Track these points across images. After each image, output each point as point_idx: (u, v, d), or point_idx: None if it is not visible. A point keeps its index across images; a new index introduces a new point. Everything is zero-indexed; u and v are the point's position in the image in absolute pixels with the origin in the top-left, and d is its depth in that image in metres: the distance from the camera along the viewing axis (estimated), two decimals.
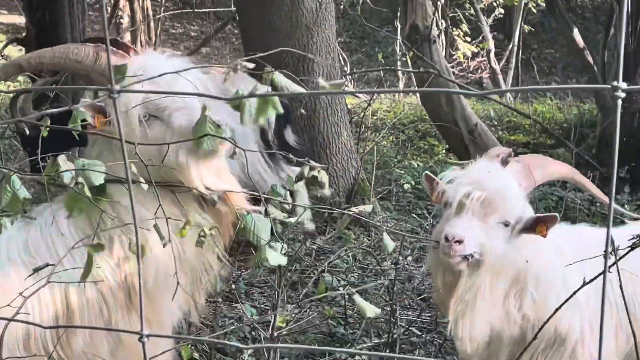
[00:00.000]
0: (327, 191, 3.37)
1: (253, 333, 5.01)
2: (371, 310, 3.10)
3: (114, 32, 16.94)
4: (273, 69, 2.65)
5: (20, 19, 19.69)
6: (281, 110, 2.24)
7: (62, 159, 2.61)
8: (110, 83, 1.27)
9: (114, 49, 3.16)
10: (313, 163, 3.31)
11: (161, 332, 3.18)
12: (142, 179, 2.87)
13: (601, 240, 3.90)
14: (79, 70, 3.14)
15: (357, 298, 3.18)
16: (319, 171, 3.29)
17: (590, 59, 9.89)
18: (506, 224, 3.55)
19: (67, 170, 2.57)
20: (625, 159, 8.57)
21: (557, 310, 3.51)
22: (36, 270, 2.82)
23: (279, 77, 2.68)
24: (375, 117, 11.40)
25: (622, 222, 6.53)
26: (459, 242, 3.43)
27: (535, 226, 3.56)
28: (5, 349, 2.87)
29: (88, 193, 2.64)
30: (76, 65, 3.13)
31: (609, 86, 1.38)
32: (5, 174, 2.59)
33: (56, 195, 3.26)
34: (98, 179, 2.65)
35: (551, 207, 6.87)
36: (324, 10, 6.46)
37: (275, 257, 2.98)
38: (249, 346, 1.51)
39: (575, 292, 3.55)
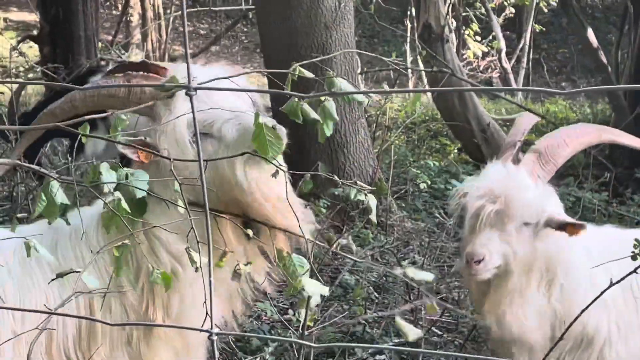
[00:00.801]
0: (373, 217, 3.13)
1: (272, 332, 5.01)
2: (414, 333, 2.89)
3: (124, 31, 16.97)
4: (334, 73, 2.58)
5: (30, 16, 19.72)
6: (336, 119, 2.23)
7: (105, 166, 2.54)
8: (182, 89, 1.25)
9: (145, 73, 2.99)
10: (361, 184, 3.13)
11: (193, 353, 3.16)
12: (181, 203, 2.70)
13: (627, 241, 3.90)
14: (115, 104, 2.95)
15: (399, 321, 3.06)
16: (365, 195, 3.07)
17: (604, 58, 9.85)
18: (527, 224, 3.56)
19: (108, 182, 2.51)
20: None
21: (584, 309, 3.50)
22: (60, 275, 2.76)
23: (340, 82, 2.59)
24: (385, 117, 11.37)
25: (639, 224, 6.53)
26: (480, 261, 3.46)
27: (564, 228, 3.56)
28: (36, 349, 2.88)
29: (125, 207, 2.57)
30: (110, 100, 2.99)
31: None
32: (45, 180, 2.54)
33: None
34: (140, 192, 2.60)
35: (568, 207, 6.83)
36: (343, 9, 6.44)
37: (316, 288, 2.79)
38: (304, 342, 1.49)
39: (602, 293, 3.53)
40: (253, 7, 10.10)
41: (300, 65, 2.57)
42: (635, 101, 9.15)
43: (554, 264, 3.65)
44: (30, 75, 14.27)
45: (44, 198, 2.52)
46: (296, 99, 2.52)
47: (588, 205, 6.84)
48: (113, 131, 2.65)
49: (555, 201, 3.72)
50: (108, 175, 2.53)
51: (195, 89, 1.29)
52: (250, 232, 2.99)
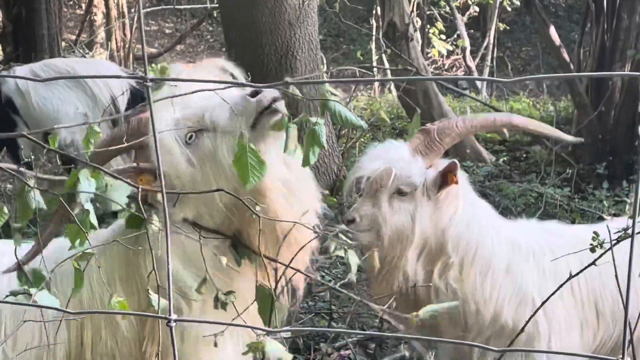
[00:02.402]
0: (352, 276, 2.94)
1: None
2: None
3: (87, 30, 16.87)
4: (334, 95, 2.44)
5: None
6: (324, 146, 2.20)
7: (84, 173, 2.38)
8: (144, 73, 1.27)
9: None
10: (342, 237, 2.91)
11: None
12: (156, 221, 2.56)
13: (566, 237, 3.98)
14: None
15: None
16: (346, 250, 2.82)
17: (566, 56, 9.96)
18: (402, 193, 3.65)
19: (83, 192, 2.34)
20: (602, 156, 8.67)
21: (542, 304, 3.55)
22: (13, 294, 2.52)
23: (337, 107, 2.45)
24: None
25: (601, 218, 6.62)
26: (351, 221, 3.60)
27: (446, 180, 3.66)
28: None
29: (94, 222, 2.43)
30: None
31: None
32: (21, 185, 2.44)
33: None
34: (115, 205, 2.46)
35: (531, 203, 6.95)
36: (307, 7, 6.48)
37: (277, 350, 2.52)
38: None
39: (561, 286, 3.59)
40: (217, 5, 10.07)
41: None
42: (597, 99, 9.26)
43: (438, 245, 3.70)
44: None
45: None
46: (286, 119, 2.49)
47: (550, 200, 6.95)
48: (85, 142, 2.54)
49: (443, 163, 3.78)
50: (86, 184, 2.38)
51: (152, 80, 1.31)
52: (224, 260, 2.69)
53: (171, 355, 2.74)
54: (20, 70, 6.94)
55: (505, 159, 10.02)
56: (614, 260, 3.10)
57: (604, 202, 6.99)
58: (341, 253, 2.83)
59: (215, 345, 2.60)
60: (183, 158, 2.67)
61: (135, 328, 2.85)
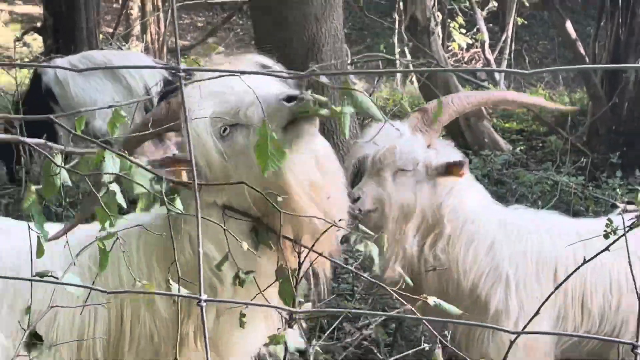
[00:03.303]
0: (376, 268, 2.89)
1: None
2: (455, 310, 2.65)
3: (124, 23, 16.94)
4: (355, 86, 2.38)
5: (33, 9, 19.68)
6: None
7: (110, 154, 2.30)
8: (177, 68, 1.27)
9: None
10: (363, 228, 2.84)
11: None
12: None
13: (558, 226, 3.95)
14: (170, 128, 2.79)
15: None
16: (366, 244, 2.77)
17: (582, 49, 9.92)
18: (404, 170, 3.68)
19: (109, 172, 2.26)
20: (616, 146, 8.63)
21: (559, 284, 3.52)
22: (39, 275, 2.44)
23: (361, 97, 2.34)
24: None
25: (614, 205, 6.57)
26: (356, 200, 3.60)
27: (451, 171, 3.68)
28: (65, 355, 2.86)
29: (121, 201, 2.35)
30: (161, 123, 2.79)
31: None
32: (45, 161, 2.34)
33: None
34: (139, 188, 2.37)
35: (547, 190, 6.90)
36: (332, 2, 6.46)
37: (294, 343, 2.59)
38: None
39: (576, 270, 3.53)
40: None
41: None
42: (611, 90, 9.22)
43: (435, 218, 3.72)
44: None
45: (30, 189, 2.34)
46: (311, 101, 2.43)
47: (565, 188, 6.89)
48: (110, 126, 2.44)
49: (450, 153, 3.81)
50: (111, 164, 2.30)
51: (184, 70, 1.31)
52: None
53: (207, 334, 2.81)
54: (60, 62, 7.00)
55: (522, 148, 9.98)
56: (628, 250, 3.04)
57: (617, 190, 6.92)
58: (361, 247, 2.79)
59: (242, 325, 2.64)
60: (216, 151, 2.65)
61: (173, 310, 2.80)
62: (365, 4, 12.73)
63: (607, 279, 3.75)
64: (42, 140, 2.36)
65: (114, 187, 2.33)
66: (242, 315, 2.56)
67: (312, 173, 2.67)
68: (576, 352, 3.95)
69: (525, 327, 3.49)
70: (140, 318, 2.87)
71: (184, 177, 2.68)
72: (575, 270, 3.54)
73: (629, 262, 3.08)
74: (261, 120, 2.44)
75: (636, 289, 3.62)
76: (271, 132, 2.17)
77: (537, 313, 3.52)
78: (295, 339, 2.45)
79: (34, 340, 2.51)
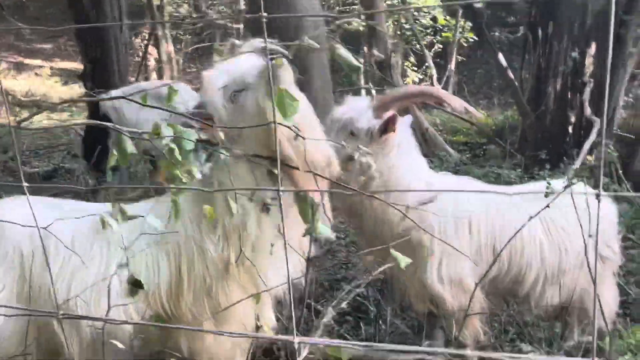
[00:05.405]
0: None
1: None
2: (405, 262, 2.76)
3: (144, 72, 17.03)
4: (337, 44, 2.49)
5: (69, 65, 19.71)
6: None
7: (164, 124, 2.43)
8: None
9: None
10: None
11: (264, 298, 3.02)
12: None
13: (473, 188, 4.06)
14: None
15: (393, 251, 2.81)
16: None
17: (511, 75, 10.08)
18: (353, 135, 3.76)
19: (168, 136, 2.36)
20: (543, 147, 8.81)
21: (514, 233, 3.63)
22: (129, 218, 2.66)
23: (340, 50, 2.48)
24: None
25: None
26: None
27: (387, 128, 3.76)
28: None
29: (177, 156, 2.41)
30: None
31: None
32: (117, 136, 2.46)
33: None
34: (189, 144, 2.45)
35: (492, 181, 7.06)
36: (318, 38, 6.57)
37: (325, 229, 2.57)
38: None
39: (524, 225, 3.68)
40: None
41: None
42: (535, 107, 9.42)
43: (381, 172, 3.78)
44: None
45: (115, 152, 2.46)
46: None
47: (506, 179, 7.08)
48: (168, 101, 2.58)
49: (403, 132, 3.87)
50: (166, 131, 2.45)
51: None
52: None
53: (245, 265, 2.90)
54: (114, 92, 7.06)
55: (467, 155, 10.14)
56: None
57: (547, 178, 7.09)
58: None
59: (271, 253, 2.79)
60: (225, 112, 2.77)
61: (217, 247, 2.92)
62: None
63: (513, 230, 3.79)
64: (110, 124, 2.46)
65: (172, 144, 2.43)
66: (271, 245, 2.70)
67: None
68: (492, 287, 4.02)
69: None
70: (195, 265, 2.94)
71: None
72: (518, 231, 3.67)
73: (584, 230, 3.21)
74: (254, 81, 2.70)
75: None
76: (285, 87, 2.25)
77: (492, 266, 3.65)
78: (326, 228, 2.52)
79: (133, 287, 2.61)
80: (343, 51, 2.47)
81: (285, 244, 1.67)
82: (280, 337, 1.80)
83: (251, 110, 2.73)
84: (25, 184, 2.05)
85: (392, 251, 2.78)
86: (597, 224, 1.71)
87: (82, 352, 2.95)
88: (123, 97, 2.65)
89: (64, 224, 2.92)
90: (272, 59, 2.57)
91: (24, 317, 2.89)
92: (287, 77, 2.62)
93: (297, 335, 1.36)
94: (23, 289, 2.91)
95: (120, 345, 2.83)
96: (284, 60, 2.58)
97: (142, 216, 2.81)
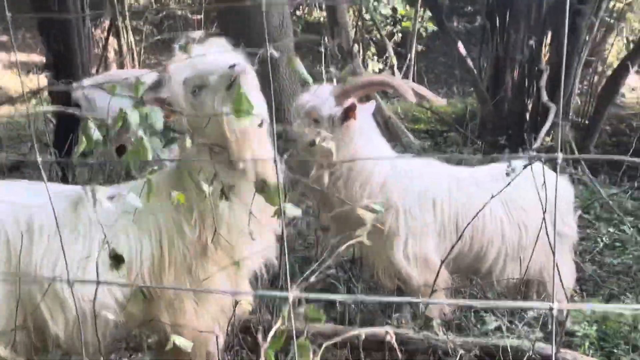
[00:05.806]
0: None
1: None
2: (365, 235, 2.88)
3: (104, 64, 16.88)
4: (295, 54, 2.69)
5: (28, 57, 19.42)
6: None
7: (129, 109, 2.56)
8: None
9: None
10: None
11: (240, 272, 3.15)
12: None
13: (436, 168, 4.23)
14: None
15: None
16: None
17: (470, 64, 10.26)
18: (317, 121, 3.93)
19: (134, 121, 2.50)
20: (502, 133, 9.05)
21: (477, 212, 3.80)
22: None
23: (296, 62, 2.68)
24: None
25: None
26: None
27: (348, 114, 3.91)
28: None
29: (146, 145, 2.56)
30: None
31: None
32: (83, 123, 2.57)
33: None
34: (159, 124, 2.63)
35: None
36: (285, 26, 6.73)
37: (292, 209, 2.71)
38: None
39: (485, 205, 3.87)
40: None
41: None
42: (494, 94, 9.66)
43: (349, 156, 3.94)
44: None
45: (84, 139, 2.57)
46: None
47: (468, 163, 7.24)
48: (135, 92, 2.68)
49: (364, 117, 4.02)
50: (133, 115, 2.56)
51: None
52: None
53: (222, 244, 3.04)
54: (86, 81, 7.06)
55: (429, 143, 10.31)
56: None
57: (508, 159, 7.30)
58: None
59: (253, 238, 2.94)
60: (187, 105, 2.90)
61: (194, 230, 3.03)
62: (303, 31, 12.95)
63: (475, 209, 3.95)
64: (75, 111, 2.57)
65: (139, 132, 2.57)
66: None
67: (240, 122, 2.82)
68: (456, 265, 4.20)
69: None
70: (175, 244, 3.05)
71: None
72: (480, 210, 3.84)
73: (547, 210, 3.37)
74: (215, 82, 2.82)
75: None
76: (244, 91, 2.52)
77: (459, 240, 3.82)
78: (293, 209, 2.70)
79: (115, 261, 2.72)
80: (298, 64, 2.66)
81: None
82: (276, 292, 1.95)
83: (208, 108, 2.87)
84: None
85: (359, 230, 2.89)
86: (555, 190, 1.88)
87: (68, 330, 3.03)
88: (94, 86, 2.75)
89: (47, 205, 3.00)
90: (234, 65, 2.77)
91: (12, 296, 2.97)
92: (250, 82, 2.81)
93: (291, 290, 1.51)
94: (9, 270, 2.98)
95: (110, 316, 2.93)
96: (247, 66, 2.78)
97: (123, 195, 2.90)
